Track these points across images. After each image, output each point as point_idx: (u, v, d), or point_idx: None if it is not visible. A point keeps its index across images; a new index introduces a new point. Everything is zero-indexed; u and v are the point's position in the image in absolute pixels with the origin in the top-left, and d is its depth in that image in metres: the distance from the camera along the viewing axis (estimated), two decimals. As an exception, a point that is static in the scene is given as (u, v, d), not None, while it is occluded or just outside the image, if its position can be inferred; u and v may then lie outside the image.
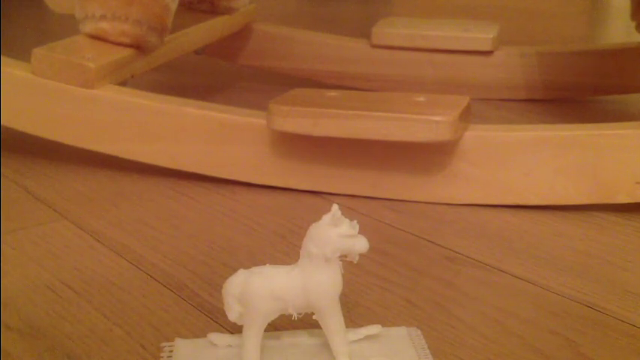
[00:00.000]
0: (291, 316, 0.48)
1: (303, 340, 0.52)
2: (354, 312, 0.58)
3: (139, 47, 0.89)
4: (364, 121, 0.74)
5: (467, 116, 0.77)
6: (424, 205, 0.78)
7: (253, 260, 0.66)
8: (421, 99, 0.78)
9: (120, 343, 0.54)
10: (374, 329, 0.52)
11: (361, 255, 0.48)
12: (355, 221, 0.48)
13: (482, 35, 1.11)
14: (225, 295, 0.48)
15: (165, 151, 0.82)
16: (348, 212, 0.74)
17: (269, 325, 0.48)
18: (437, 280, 0.63)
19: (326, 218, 0.47)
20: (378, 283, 0.62)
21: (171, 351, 0.52)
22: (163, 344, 0.53)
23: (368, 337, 0.52)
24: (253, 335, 0.48)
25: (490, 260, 0.66)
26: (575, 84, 1.12)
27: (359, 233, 0.47)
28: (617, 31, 1.78)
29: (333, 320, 0.48)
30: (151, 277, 0.63)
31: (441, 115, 0.72)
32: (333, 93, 0.81)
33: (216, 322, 0.56)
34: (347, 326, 0.49)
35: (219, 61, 1.25)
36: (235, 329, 0.52)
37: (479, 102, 1.10)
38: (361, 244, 0.47)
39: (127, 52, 0.87)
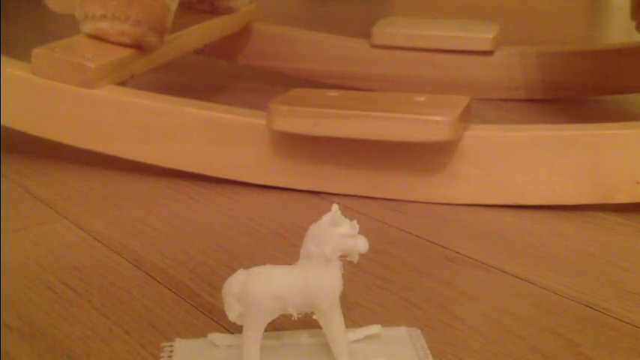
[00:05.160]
0: (291, 316, 0.48)
1: (303, 340, 0.52)
2: (354, 312, 0.58)
3: (139, 47, 0.89)
4: (364, 121, 0.74)
5: (467, 116, 0.77)
6: (424, 205, 0.78)
7: (253, 260, 0.66)
8: (421, 99, 0.78)
9: (120, 343, 0.54)
10: (374, 329, 0.52)
11: (361, 255, 0.48)
12: (355, 221, 0.48)
13: (482, 35, 1.11)
14: (225, 294, 0.48)
15: (165, 151, 0.82)
16: (348, 212, 0.74)
17: (269, 325, 0.48)
18: (437, 280, 0.63)
19: (326, 218, 0.47)
20: (378, 283, 0.62)
21: (171, 351, 0.52)
22: (163, 344, 0.53)
23: (368, 337, 0.52)
24: (253, 335, 0.48)
25: (490, 260, 0.66)
26: (575, 84, 1.12)
27: (359, 233, 0.47)
28: (617, 31, 1.78)
29: (333, 320, 0.48)
30: (151, 277, 0.63)
31: (441, 115, 0.72)
32: (333, 93, 0.81)
33: (216, 322, 0.56)
34: (347, 326, 0.49)
35: (219, 61, 1.25)
36: (235, 329, 0.52)
37: (479, 102, 1.10)
38: (361, 244, 0.47)
39: (127, 52, 0.87)
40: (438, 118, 0.72)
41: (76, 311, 0.58)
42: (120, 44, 0.87)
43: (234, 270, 0.49)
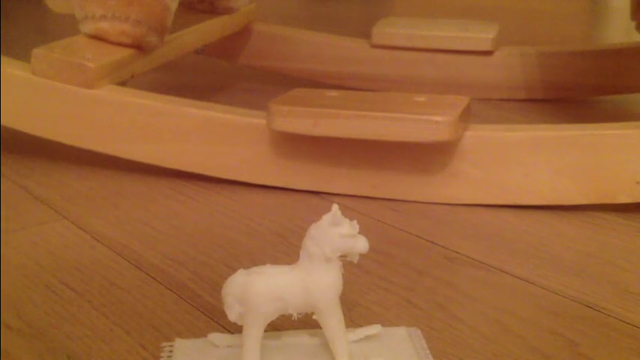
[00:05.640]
0: (291, 316, 0.48)
1: (303, 340, 0.52)
2: (354, 312, 0.58)
3: (139, 47, 0.89)
4: (364, 121, 0.74)
5: (467, 116, 0.77)
6: (424, 205, 0.78)
7: (253, 260, 0.66)
8: (421, 99, 0.78)
9: (120, 343, 0.54)
10: (374, 329, 0.52)
11: (361, 255, 0.48)
12: (355, 221, 0.48)
13: (482, 35, 1.11)
14: (225, 295, 0.48)
15: (165, 151, 0.82)
16: (348, 212, 0.74)
17: (269, 325, 0.48)
18: (437, 280, 0.63)
19: (326, 218, 0.47)
20: (378, 283, 0.62)
21: (171, 351, 0.52)
22: (163, 344, 0.53)
23: (368, 337, 0.52)
24: (253, 335, 0.48)
25: (490, 260, 0.66)
26: (575, 84, 1.12)
27: (359, 233, 0.47)
28: (617, 31, 1.78)
29: (333, 320, 0.48)
30: (151, 277, 0.63)
31: (441, 115, 0.72)
32: (333, 93, 0.81)
33: (216, 322, 0.56)
34: (347, 326, 0.49)
35: (219, 61, 1.25)
36: (235, 329, 0.52)
37: (479, 102, 1.10)
38: (361, 244, 0.47)
39: (127, 52, 0.87)
40: (438, 118, 0.72)
41: (76, 311, 0.58)
42: (120, 44, 0.87)
43: (234, 270, 0.49)
